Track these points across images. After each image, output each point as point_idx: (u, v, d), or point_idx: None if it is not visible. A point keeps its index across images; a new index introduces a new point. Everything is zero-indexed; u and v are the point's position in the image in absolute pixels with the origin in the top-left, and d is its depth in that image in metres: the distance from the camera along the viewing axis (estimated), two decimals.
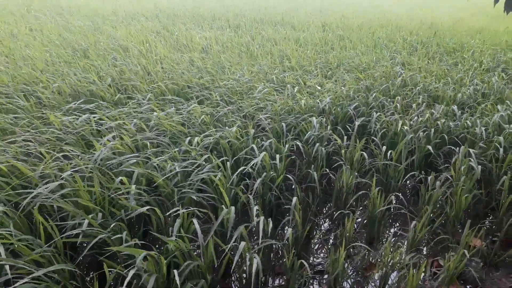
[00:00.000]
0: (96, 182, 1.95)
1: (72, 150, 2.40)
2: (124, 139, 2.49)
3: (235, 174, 2.31)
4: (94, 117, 2.83)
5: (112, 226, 1.83)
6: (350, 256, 2.27)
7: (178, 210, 1.91)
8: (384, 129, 3.17)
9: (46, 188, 1.89)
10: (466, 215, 2.66)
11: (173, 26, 7.77)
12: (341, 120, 3.43)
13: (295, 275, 1.93)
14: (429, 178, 2.55)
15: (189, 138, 2.65)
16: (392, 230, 2.55)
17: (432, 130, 3.05)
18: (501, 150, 2.71)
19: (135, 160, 2.27)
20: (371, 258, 2.26)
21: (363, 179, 2.67)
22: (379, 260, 2.22)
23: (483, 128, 3.02)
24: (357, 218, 2.61)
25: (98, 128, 2.76)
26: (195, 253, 1.94)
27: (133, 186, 1.99)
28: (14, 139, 2.43)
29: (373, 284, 2.06)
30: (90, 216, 1.82)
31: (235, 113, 3.30)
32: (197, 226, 1.73)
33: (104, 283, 1.88)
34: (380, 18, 10.93)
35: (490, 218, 2.69)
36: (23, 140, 2.47)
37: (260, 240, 1.85)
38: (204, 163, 2.35)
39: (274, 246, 2.32)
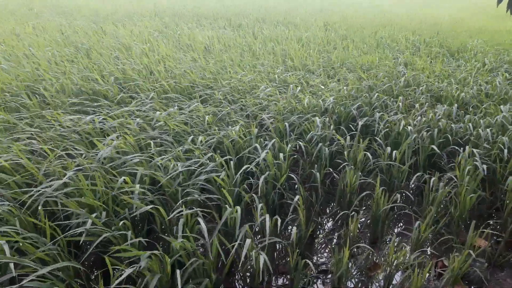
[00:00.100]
0: (98, 181, 1.95)
1: (75, 148, 2.40)
2: (127, 138, 2.48)
3: (238, 173, 2.31)
4: (98, 116, 2.83)
5: (116, 224, 1.83)
6: (354, 255, 2.26)
7: (181, 210, 1.90)
8: (387, 129, 3.16)
9: (50, 186, 1.89)
10: (471, 215, 2.66)
11: (175, 25, 7.77)
12: (344, 119, 3.42)
13: (299, 274, 1.92)
14: (432, 178, 2.55)
15: (191, 137, 2.65)
16: (396, 230, 2.54)
17: (436, 130, 3.04)
18: (506, 150, 2.70)
19: (138, 160, 2.27)
20: (375, 258, 2.26)
21: (367, 179, 2.66)
22: (383, 260, 2.22)
23: (488, 130, 3.01)
24: (361, 218, 2.60)
25: (102, 126, 2.75)
26: (198, 252, 1.94)
27: (137, 186, 1.98)
28: (18, 136, 2.43)
29: (377, 284, 2.06)
30: (94, 215, 1.82)
31: (238, 112, 3.29)
32: (203, 225, 1.73)
33: (108, 281, 1.88)
34: (381, 18, 10.92)
35: (495, 218, 2.68)
36: (27, 138, 2.47)
37: (267, 238, 1.84)
38: (207, 162, 2.35)
39: (277, 246, 2.32)
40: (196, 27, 7.95)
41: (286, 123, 2.98)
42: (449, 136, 3.06)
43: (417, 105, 3.55)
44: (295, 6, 14.24)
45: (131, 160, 2.26)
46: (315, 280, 2.07)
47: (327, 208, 2.72)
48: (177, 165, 2.25)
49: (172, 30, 7.17)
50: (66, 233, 1.73)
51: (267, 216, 1.91)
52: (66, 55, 4.64)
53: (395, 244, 2.37)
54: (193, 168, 2.31)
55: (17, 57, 4.29)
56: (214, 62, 4.69)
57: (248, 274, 2.05)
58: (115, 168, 2.28)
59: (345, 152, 2.77)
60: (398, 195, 2.56)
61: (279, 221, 2.03)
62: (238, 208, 1.95)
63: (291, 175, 2.58)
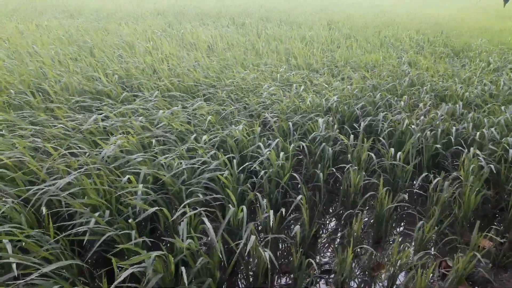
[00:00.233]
0: (97, 180, 1.95)
1: (79, 147, 2.41)
2: (130, 137, 2.48)
3: (241, 167, 2.31)
4: (101, 114, 2.83)
5: (120, 224, 1.83)
6: (358, 255, 2.25)
7: (185, 210, 1.90)
8: (391, 128, 3.15)
9: (54, 185, 1.89)
10: (475, 215, 2.64)
11: (178, 24, 7.77)
12: (347, 119, 3.41)
13: (303, 274, 1.92)
14: (437, 178, 2.53)
15: (194, 135, 2.64)
16: (399, 230, 2.53)
17: (439, 130, 3.03)
18: (511, 151, 2.68)
19: (141, 159, 2.27)
20: (378, 258, 2.25)
21: (370, 179, 2.65)
22: (386, 260, 2.21)
23: (492, 129, 2.99)
24: (364, 218, 2.59)
25: (105, 125, 2.75)
26: (202, 251, 1.93)
27: (140, 185, 1.98)
28: (22, 134, 2.44)
29: (380, 284, 2.05)
30: (97, 214, 1.82)
31: (241, 111, 3.29)
32: (209, 225, 1.73)
33: (111, 279, 1.89)
34: (381, 18, 10.88)
35: (498, 219, 2.67)
36: (31, 135, 2.48)
37: (270, 234, 1.84)
38: (211, 160, 2.35)
39: (280, 245, 2.32)
40: (200, 25, 7.94)
41: (290, 123, 2.97)
42: (452, 138, 3.04)
43: (421, 105, 3.54)
44: (295, 6, 14.22)
45: (135, 159, 2.26)
46: (318, 280, 2.06)
47: (330, 208, 2.71)
48: (181, 163, 2.25)
49: (176, 29, 7.16)
50: (69, 232, 1.73)
51: (271, 212, 1.91)
52: (70, 53, 4.65)
53: (399, 244, 2.36)
54: (196, 166, 2.30)
55: (20, 55, 4.30)
56: (218, 61, 4.68)
57: (251, 273, 2.05)
58: (119, 167, 2.28)
59: (349, 153, 2.76)
60: (406, 196, 2.55)
61: (283, 212, 2.03)
62: (244, 207, 1.95)
63: (294, 175, 2.57)
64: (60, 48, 4.78)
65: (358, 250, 2.29)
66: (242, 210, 1.95)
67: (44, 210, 1.79)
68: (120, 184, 2.02)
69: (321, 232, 2.47)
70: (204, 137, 2.59)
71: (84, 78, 3.69)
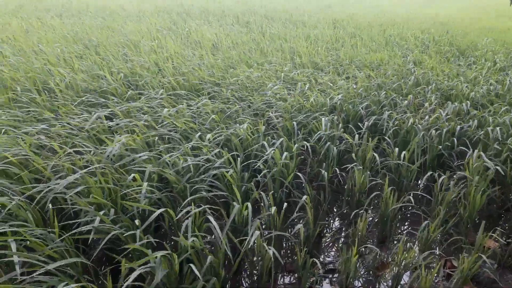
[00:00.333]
0: (102, 179, 1.96)
1: (84, 145, 2.41)
2: (135, 136, 2.49)
3: (244, 163, 2.30)
4: (105, 110, 2.84)
5: (124, 222, 1.84)
6: (362, 255, 2.25)
7: (190, 208, 1.90)
8: (396, 127, 3.14)
9: (59, 183, 1.90)
10: (480, 216, 2.63)
11: (183, 22, 7.78)
12: (352, 118, 3.40)
13: (307, 273, 1.92)
14: (442, 177, 2.52)
15: (199, 133, 2.65)
16: (404, 230, 2.52)
17: (445, 129, 3.01)
18: None
19: (146, 157, 2.27)
20: (383, 257, 2.24)
21: (375, 179, 2.64)
22: (391, 259, 2.21)
23: (497, 128, 2.97)
24: (369, 217, 2.58)
25: (110, 123, 2.76)
26: (207, 249, 1.94)
27: (145, 184, 1.98)
28: (27, 130, 2.45)
29: (385, 283, 2.04)
30: (102, 212, 1.82)
31: (246, 110, 3.29)
32: (215, 224, 1.73)
33: (116, 277, 1.89)
34: (381, 18, 10.82)
35: (504, 219, 2.65)
36: (36, 133, 2.49)
37: (273, 230, 1.84)
38: (215, 158, 2.35)
39: (284, 244, 2.31)
40: (204, 24, 7.94)
41: (294, 122, 2.97)
42: (455, 138, 3.02)
43: (426, 104, 3.52)
44: (295, 6, 14.18)
45: (140, 157, 2.26)
46: (322, 279, 2.06)
47: (335, 207, 2.70)
48: (186, 159, 2.25)
49: (180, 27, 7.17)
50: (74, 230, 1.73)
51: (274, 209, 1.91)
52: (75, 51, 4.66)
53: (404, 244, 2.35)
54: (201, 163, 2.31)
55: (25, 53, 4.32)
56: (222, 59, 4.68)
57: (255, 272, 2.05)
58: (124, 165, 2.28)
59: (353, 152, 2.75)
60: (411, 197, 2.54)
61: (286, 220, 2.03)
62: (249, 204, 1.95)
63: (298, 174, 2.57)
64: (65, 46, 4.80)
65: (363, 249, 2.29)
66: (247, 207, 1.95)
67: (50, 206, 1.80)
68: (125, 182, 2.02)
69: (325, 231, 2.46)
70: (209, 135, 2.59)
71: (90, 76, 3.70)
